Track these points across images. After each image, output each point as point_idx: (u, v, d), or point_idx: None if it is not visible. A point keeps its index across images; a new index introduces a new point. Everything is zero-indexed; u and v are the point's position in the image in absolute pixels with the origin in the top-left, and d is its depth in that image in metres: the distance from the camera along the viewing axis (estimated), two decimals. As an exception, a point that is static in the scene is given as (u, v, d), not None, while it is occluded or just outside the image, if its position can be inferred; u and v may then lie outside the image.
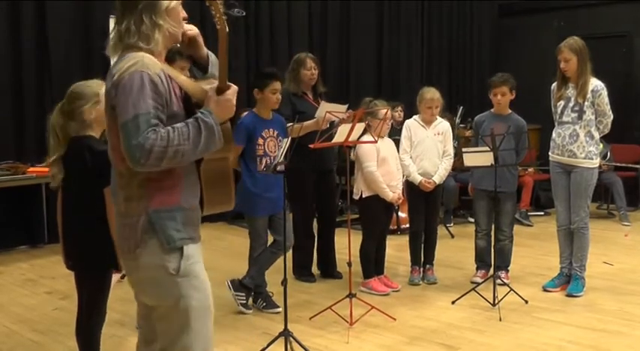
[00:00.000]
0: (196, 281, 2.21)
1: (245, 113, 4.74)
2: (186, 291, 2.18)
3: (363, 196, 4.86)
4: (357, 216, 5.09)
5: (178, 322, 2.19)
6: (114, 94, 2.08)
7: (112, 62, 2.22)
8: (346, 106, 4.88)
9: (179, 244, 2.17)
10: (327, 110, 4.44)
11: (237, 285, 4.45)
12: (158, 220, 2.14)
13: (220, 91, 2.20)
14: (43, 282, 5.28)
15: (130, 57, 2.10)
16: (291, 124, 4.68)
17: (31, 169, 6.04)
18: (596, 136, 4.75)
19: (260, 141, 4.42)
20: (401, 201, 5.01)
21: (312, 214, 5.30)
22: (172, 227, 2.16)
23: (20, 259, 6.06)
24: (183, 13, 2.26)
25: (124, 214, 2.18)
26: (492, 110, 5.20)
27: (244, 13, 2.24)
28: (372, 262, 4.97)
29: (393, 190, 4.85)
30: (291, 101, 5.07)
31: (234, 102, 2.23)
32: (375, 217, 4.93)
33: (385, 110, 4.77)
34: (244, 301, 4.46)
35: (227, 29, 2.19)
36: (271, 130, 4.48)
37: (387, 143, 4.97)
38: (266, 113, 4.51)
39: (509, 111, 5.17)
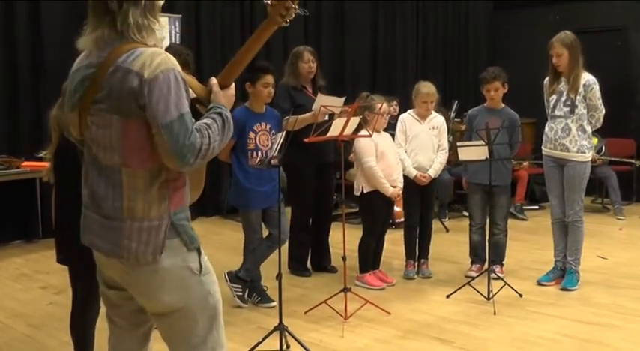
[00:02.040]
0: (213, 276, 2.23)
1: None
2: (211, 287, 2.19)
3: (364, 192, 4.85)
4: (352, 210, 5.08)
5: (207, 320, 2.18)
6: (145, 92, 1.95)
7: (92, 52, 2.09)
8: (343, 99, 4.86)
9: (198, 244, 2.17)
10: (323, 104, 4.43)
11: (234, 277, 4.45)
12: (177, 222, 2.11)
13: (222, 85, 2.21)
14: (38, 277, 5.27)
15: (151, 52, 2.00)
16: (287, 117, 4.67)
17: (25, 163, 6.01)
18: (588, 130, 4.75)
19: (251, 135, 4.40)
20: (400, 197, 5.00)
21: (310, 208, 5.27)
22: (189, 227, 2.16)
23: (15, 253, 6.04)
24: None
25: (140, 218, 2.06)
26: (485, 104, 5.19)
27: (307, 13, 2.17)
28: (371, 257, 4.97)
29: (394, 184, 4.84)
30: (290, 95, 5.05)
31: None
32: (375, 212, 4.91)
33: (381, 104, 4.76)
34: (240, 293, 4.46)
35: (285, 24, 2.09)
36: (263, 124, 4.46)
37: (384, 137, 4.95)
38: (258, 107, 4.49)
39: (503, 105, 5.15)
